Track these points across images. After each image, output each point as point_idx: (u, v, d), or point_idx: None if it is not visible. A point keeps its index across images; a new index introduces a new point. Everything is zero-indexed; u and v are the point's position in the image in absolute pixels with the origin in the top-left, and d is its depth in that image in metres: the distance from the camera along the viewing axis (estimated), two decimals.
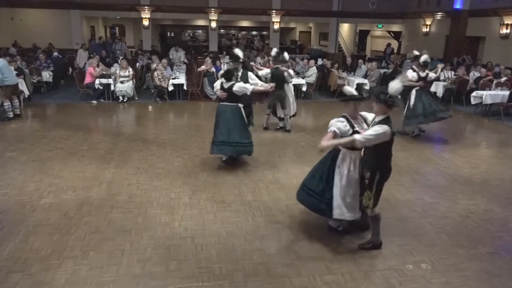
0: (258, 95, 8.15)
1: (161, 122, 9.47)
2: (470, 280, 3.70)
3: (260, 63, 12.48)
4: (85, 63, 13.53)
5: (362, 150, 4.06)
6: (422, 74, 8.16)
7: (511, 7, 13.98)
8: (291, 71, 8.48)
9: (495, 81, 11.27)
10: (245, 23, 25.09)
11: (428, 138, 8.50)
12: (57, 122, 9.05)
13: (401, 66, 14.74)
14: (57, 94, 12.43)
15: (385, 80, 12.29)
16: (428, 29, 18.71)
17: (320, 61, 15.02)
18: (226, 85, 6.04)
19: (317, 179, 4.28)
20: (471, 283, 3.66)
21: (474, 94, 10.80)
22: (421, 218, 4.87)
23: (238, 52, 6.68)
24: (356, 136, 3.74)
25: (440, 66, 8.62)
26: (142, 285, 3.50)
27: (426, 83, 8.24)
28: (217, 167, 6.37)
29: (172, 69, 12.97)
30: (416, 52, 8.66)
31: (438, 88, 12.05)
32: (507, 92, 10.48)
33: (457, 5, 16.25)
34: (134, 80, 11.73)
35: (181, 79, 11.88)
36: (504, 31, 14.48)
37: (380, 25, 22.31)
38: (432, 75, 8.20)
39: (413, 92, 8.19)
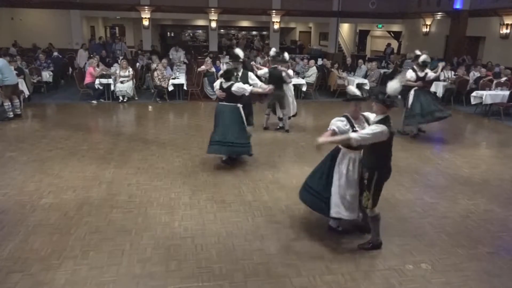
0: (257, 95, 8.11)
1: (161, 122, 9.47)
2: (470, 280, 3.70)
3: (260, 63, 12.47)
4: (86, 63, 13.53)
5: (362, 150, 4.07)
6: (421, 74, 8.17)
7: (511, 7, 13.98)
8: (290, 72, 8.45)
9: (495, 81, 11.28)
10: (245, 23, 25.08)
11: (428, 138, 8.50)
12: (57, 122, 9.05)
13: (401, 66, 14.74)
14: (57, 94, 12.43)
15: (385, 80, 12.29)
16: (428, 29, 18.71)
17: (320, 61, 15.02)
18: (225, 85, 6.04)
19: (318, 178, 4.33)
20: (471, 283, 3.66)
21: (474, 94, 10.80)
22: (421, 218, 4.87)
23: (239, 51, 6.65)
24: (352, 135, 3.76)
25: (441, 64, 8.61)
26: (142, 285, 3.50)
27: (425, 83, 8.24)
28: (217, 167, 6.37)
29: (172, 69, 12.97)
30: (418, 52, 8.66)
31: (438, 88, 12.05)
32: (507, 92, 10.48)
33: (457, 5, 16.25)
34: (134, 80, 11.73)
35: (181, 79, 11.88)
36: (504, 31, 14.48)
37: (380, 25, 22.31)
38: (430, 75, 8.19)
39: (412, 92, 8.23)
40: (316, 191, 4.29)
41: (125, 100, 11.36)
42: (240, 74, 6.46)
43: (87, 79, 11.37)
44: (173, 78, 11.72)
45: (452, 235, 4.48)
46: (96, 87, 11.20)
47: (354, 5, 19.51)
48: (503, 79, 11.40)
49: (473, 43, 16.66)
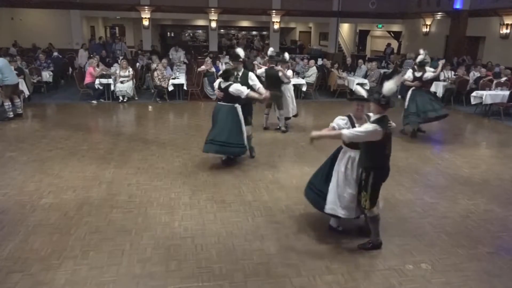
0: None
1: (161, 122, 9.47)
2: (470, 280, 3.70)
3: (260, 63, 12.47)
4: (86, 63, 13.54)
5: None
6: (418, 74, 8.20)
7: (511, 7, 13.98)
8: (289, 72, 8.35)
9: (495, 81, 11.28)
10: (245, 23, 25.09)
11: (428, 138, 8.50)
12: (57, 122, 9.05)
13: (401, 66, 14.73)
14: (57, 94, 12.43)
15: (385, 80, 12.29)
16: (428, 29, 18.71)
17: (320, 61, 15.03)
18: (223, 85, 6.04)
19: (320, 175, 4.41)
20: (471, 283, 3.66)
21: (474, 94, 10.80)
22: (421, 218, 4.87)
23: (239, 51, 6.57)
24: (343, 131, 3.80)
25: (441, 62, 8.61)
26: (142, 285, 3.50)
27: (423, 83, 8.25)
28: (217, 167, 6.37)
29: (172, 69, 12.97)
30: (422, 51, 8.69)
31: (438, 88, 12.05)
32: (507, 92, 10.48)
33: (457, 5, 16.25)
34: (134, 80, 11.73)
35: (181, 79, 11.88)
36: (504, 31, 14.48)
37: (380, 25, 22.31)
38: (427, 75, 8.19)
39: (409, 92, 8.33)
40: (318, 189, 4.34)
41: (125, 100, 11.36)
42: (240, 74, 6.43)
43: (87, 79, 11.37)
44: (173, 78, 11.72)
45: (452, 235, 4.48)
46: (96, 87, 11.20)
47: (354, 5, 19.51)
48: (503, 79, 11.40)
49: (473, 43, 16.66)
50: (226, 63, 12.19)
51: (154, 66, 12.21)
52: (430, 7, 18.12)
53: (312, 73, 12.75)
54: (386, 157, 3.92)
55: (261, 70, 8.45)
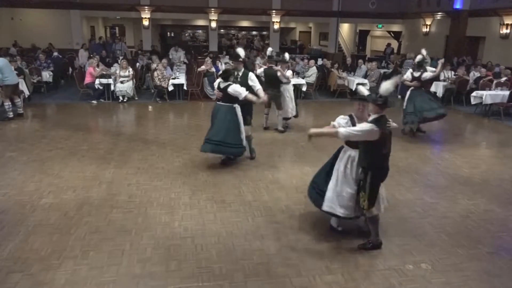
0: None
1: (161, 122, 9.47)
2: (470, 280, 3.70)
3: (260, 63, 12.47)
4: (86, 63, 13.54)
5: None
6: (416, 74, 8.22)
7: (511, 7, 13.98)
8: (288, 73, 8.28)
9: (495, 81, 11.27)
10: (245, 23, 25.09)
11: (428, 138, 8.50)
12: (57, 122, 9.05)
13: (401, 66, 14.74)
14: (57, 94, 12.43)
15: (385, 80, 12.30)
16: (428, 29, 18.71)
17: (320, 61, 15.03)
18: (222, 85, 6.04)
19: (322, 175, 4.44)
20: (471, 283, 3.66)
21: (474, 94, 10.80)
22: (421, 218, 4.87)
23: (240, 51, 6.54)
24: (340, 129, 3.82)
25: (440, 62, 8.63)
26: (142, 285, 3.50)
27: (421, 83, 8.26)
28: (217, 167, 6.37)
29: (172, 69, 12.97)
30: (424, 51, 8.71)
31: (438, 88, 12.05)
32: (507, 92, 10.48)
33: (457, 5, 16.26)
34: (134, 80, 11.73)
35: (181, 79, 11.88)
36: (504, 31, 14.48)
37: (380, 25, 22.31)
38: (426, 75, 8.20)
39: (408, 91, 8.37)
40: (319, 188, 4.36)
41: (125, 100, 11.36)
42: (240, 74, 6.42)
43: (87, 79, 11.37)
44: (173, 78, 11.72)
45: (452, 235, 4.48)
46: (96, 87, 11.20)
47: (354, 5, 19.51)
48: (503, 79, 11.40)
49: (473, 43, 16.66)
50: (226, 63, 12.18)
51: (154, 66, 12.20)
52: (430, 7, 18.12)
53: (312, 73, 12.74)
54: (385, 157, 3.91)
55: (260, 70, 8.45)
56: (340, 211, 4.14)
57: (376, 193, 3.95)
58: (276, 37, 20.20)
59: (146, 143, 7.55)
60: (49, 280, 3.52)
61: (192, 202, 5.11)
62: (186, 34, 26.99)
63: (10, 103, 8.95)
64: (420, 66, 8.26)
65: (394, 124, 4.04)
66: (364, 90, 4.06)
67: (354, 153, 4.09)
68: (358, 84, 12.16)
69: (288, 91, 8.45)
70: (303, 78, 12.51)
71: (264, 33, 26.09)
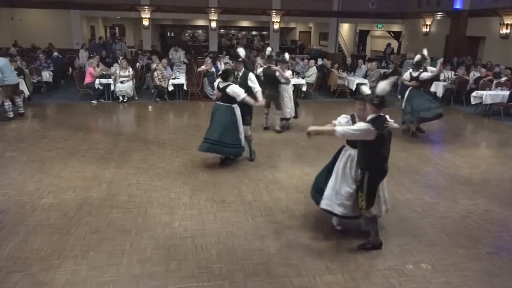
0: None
1: (161, 122, 9.47)
2: (470, 280, 3.70)
3: (260, 63, 12.48)
4: (86, 63, 13.54)
5: None
6: (414, 74, 8.24)
7: (511, 7, 13.98)
8: (287, 73, 8.23)
9: (495, 81, 11.28)
10: (245, 23, 25.09)
11: (428, 138, 8.50)
12: (57, 122, 9.05)
13: (401, 66, 14.74)
14: (57, 94, 12.43)
15: (385, 80, 12.30)
16: (428, 29, 18.71)
17: (320, 61, 15.03)
18: (221, 85, 6.05)
19: (323, 175, 4.46)
20: (471, 283, 3.66)
21: (474, 94, 10.81)
22: (421, 218, 4.87)
23: (240, 51, 6.52)
24: (337, 128, 3.85)
25: (439, 62, 8.65)
26: (142, 285, 3.50)
27: (420, 82, 8.27)
28: (217, 167, 6.37)
29: (172, 69, 12.97)
30: (425, 51, 8.71)
31: (438, 88, 12.05)
32: (507, 92, 10.48)
33: (457, 5, 16.25)
34: (134, 80, 11.73)
35: (181, 79, 11.88)
36: (504, 31, 14.48)
37: (380, 25, 22.31)
38: (423, 75, 8.19)
39: (407, 91, 8.42)
40: (319, 187, 4.38)
41: (125, 100, 11.36)
42: (240, 74, 6.42)
43: (87, 79, 11.37)
44: (173, 78, 11.72)
45: (452, 235, 4.48)
46: (96, 87, 11.20)
47: (354, 5, 19.51)
48: (503, 79, 11.41)
49: (473, 43, 16.66)
50: (226, 63, 12.18)
51: (154, 66, 12.20)
52: (430, 7, 18.12)
53: (312, 73, 12.75)
54: (383, 157, 3.89)
55: (260, 70, 8.46)
56: (338, 210, 4.16)
57: (374, 193, 3.94)
58: (276, 37, 20.21)
59: (146, 143, 7.55)
60: (49, 280, 3.52)
61: (192, 202, 5.11)
62: (186, 34, 26.99)
63: (10, 103, 8.96)
64: (419, 66, 8.28)
65: (395, 125, 4.02)
66: (367, 90, 4.06)
67: (354, 152, 4.10)
68: (358, 84, 12.26)
69: (287, 92, 8.39)
70: (303, 78, 12.51)
71: (264, 33, 26.09)
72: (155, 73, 11.60)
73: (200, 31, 26.53)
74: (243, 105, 6.21)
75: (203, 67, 12.10)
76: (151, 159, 6.66)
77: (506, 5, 14.12)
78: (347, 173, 4.13)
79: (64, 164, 6.34)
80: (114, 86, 11.27)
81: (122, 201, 5.06)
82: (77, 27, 18.12)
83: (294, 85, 10.44)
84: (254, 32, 27.83)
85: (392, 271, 3.78)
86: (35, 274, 3.59)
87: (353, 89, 12.61)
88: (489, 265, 3.92)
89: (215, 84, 6.34)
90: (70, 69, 14.70)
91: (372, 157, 3.85)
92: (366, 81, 12.75)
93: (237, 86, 6.03)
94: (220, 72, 6.40)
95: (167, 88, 11.49)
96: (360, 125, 3.76)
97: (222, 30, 25.47)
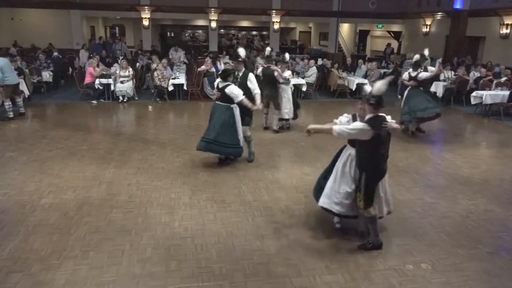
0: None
1: (161, 122, 9.47)
2: (470, 280, 3.70)
3: (260, 63, 12.47)
4: (86, 63, 13.54)
5: None
6: (413, 74, 8.25)
7: (511, 7, 13.98)
8: (286, 73, 8.21)
9: (495, 81, 11.28)
10: (245, 23, 25.09)
11: (428, 138, 8.50)
12: (57, 122, 9.05)
13: (401, 66, 14.75)
14: (57, 94, 12.43)
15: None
16: (428, 29, 18.71)
17: (320, 61, 15.03)
18: (221, 85, 6.05)
19: (324, 173, 4.49)
20: (471, 283, 3.66)
21: (474, 94, 10.81)
22: (421, 218, 4.87)
23: (240, 51, 6.51)
24: (334, 126, 3.87)
25: (438, 62, 8.66)
26: (142, 285, 3.50)
27: (418, 82, 8.27)
28: (217, 167, 6.37)
29: (172, 69, 12.97)
30: (427, 52, 8.72)
31: (438, 88, 12.06)
32: (507, 92, 10.48)
33: (457, 5, 16.25)
34: (134, 80, 11.73)
35: (181, 79, 11.88)
36: (504, 31, 14.48)
37: (380, 25, 22.31)
38: (421, 74, 8.20)
39: (406, 91, 8.45)
40: (320, 185, 4.39)
41: (125, 100, 11.36)
42: (241, 74, 6.41)
43: (87, 79, 11.37)
44: (173, 78, 11.73)
45: (452, 235, 4.48)
46: (96, 87, 11.20)
47: (354, 5, 19.51)
48: (503, 79, 11.41)
49: (473, 43, 16.65)
50: (226, 63, 12.18)
51: (154, 66, 12.20)
52: (430, 7, 18.12)
53: (312, 73, 12.75)
54: (380, 158, 3.88)
55: (260, 69, 8.46)
56: (336, 208, 4.17)
57: (372, 193, 3.94)
58: (276, 37, 20.20)
59: (146, 143, 7.55)
60: (49, 280, 3.52)
61: (192, 202, 5.11)
62: (186, 34, 26.98)
63: (10, 103, 8.96)
64: (418, 65, 8.29)
65: (394, 125, 4.02)
66: (369, 89, 4.07)
67: (354, 151, 4.10)
68: (358, 84, 12.27)
69: (286, 92, 8.34)
70: (303, 78, 12.51)
71: (264, 33, 26.09)
72: (155, 73, 11.60)
73: (200, 31, 26.53)
74: (243, 105, 6.21)
75: (203, 67, 12.10)
76: (151, 159, 6.66)
77: (506, 5, 14.12)
78: (346, 172, 4.14)
79: (64, 164, 6.34)
80: (114, 86, 11.27)
81: (122, 201, 5.06)
82: (77, 27, 18.11)
83: (294, 85, 10.44)
84: (254, 32, 27.83)
85: (392, 271, 3.78)
86: (35, 274, 3.59)
87: (353, 89, 12.62)
88: (489, 265, 3.92)
89: (215, 84, 6.34)
90: (70, 69, 14.70)
91: (369, 157, 3.85)
92: (366, 81, 12.76)
93: (236, 87, 6.02)
94: (220, 72, 6.39)
95: (167, 88, 11.49)
96: (356, 124, 3.79)
97: (222, 30, 25.47)
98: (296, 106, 8.66)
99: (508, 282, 3.69)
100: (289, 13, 19.53)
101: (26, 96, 10.41)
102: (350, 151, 4.16)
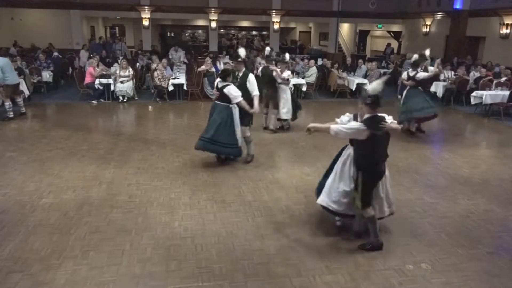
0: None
1: (161, 122, 9.47)
2: (470, 280, 3.70)
3: (260, 63, 12.47)
4: (86, 63, 13.54)
5: None
6: (411, 74, 8.26)
7: (511, 7, 13.98)
8: (285, 74, 8.19)
9: (495, 81, 11.28)
10: (245, 23, 25.09)
11: (428, 138, 8.50)
12: (57, 122, 9.05)
13: (401, 66, 14.75)
14: (57, 94, 12.43)
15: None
16: (428, 29, 18.71)
17: (320, 61, 15.03)
18: (220, 85, 6.05)
19: (325, 173, 4.49)
20: (471, 283, 3.66)
21: (474, 94, 10.81)
22: (421, 218, 4.87)
23: (241, 51, 6.49)
24: (332, 125, 3.89)
25: (437, 61, 8.65)
26: (142, 285, 3.50)
27: (417, 82, 8.27)
28: (217, 167, 6.37)
29: (172, 69, 12.97)
30: (428, 52, 8.73)
31: (438, 88, 12.05)
32: (507, 92, 10.48)
33: (457, 5, 16.25)
34: (134, 80, 11.73)
35: (181, 79, 11.88)
36: (504, 31, 14.48)
37: (380, 25, 22.31)
38: (420, 74, 8.19)
39: (405, 91, 8.48)
40: (321, 184, 4.40)
41: (125, 100, 11.36)
42: (241, 74, 6.40)
43: (87, 79, 11.37)
44: (173, 78, 11.73)
45: (452, 235, 4.48)
46: (96, 87, 11.20)
47: (354, 5, 19.51)
48: (503, 79, 11.41)
49: (473, 43, 16.66)
50: (226, 63, 12.18)
51: (154, 66, 12.21)
52: (430, 7, 18.12)
53: (312, 73, 12.75)
54: (377, 158, 3.87)
55: (259, 70, 8.47)
56: (333, 206, 4.18)
57: (370, 193, 3.94)
58: (276, 37, 20.21)
59: (146, 143, 7.55)
60: (49, 280, 3.52)
61: (192, 202, 5.11)
62: (186, 34, 26.97)
63: (10, 103, 8.96)
64: (416, 65, 8.30)
65: (394, 125, 4.00)
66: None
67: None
68: (358, 84, 12.27)
69: (285, 92, 8.32)
70: (303, 78, 12.51)
71: (264, 33, 26.08)
72: (155, 73, 11.61)
73: (200, 31, 26.52)
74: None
75: (203, 67, 12.10)
76: (151, 159, 6.66)
77: (506, 5, 14.12)
78: (345, 171, 4.14)
79: (64, 164, 6.34)
80: (114, 86, 11.27)
81: (122, 201, 5.06)
82: (77, 27, 18.11)
83: (294, 85, 10.43)
84: (254, 32, 27.82)
85: (392, 271, 3.78)
86: (35, 274, 3.59)
87: (353, 89, 12.62)
88: (489, 265, 3.92)
89: (215, 84, 6.34)
90: (70, 69, 14.71)
91: (366, 157, 3.85)
92: (366, 81, 12.77)
93: (235, 88, 6.01)
94: (220, 71, 6.39)
95: (167, 88, 11.49)
96: (353, 124, 3.79)
97: (222, 30, 25.47)
98: (296, 107, 8.65)
99: (508, 282, 3.69)
100: (289, 13, 19.53)
101: (26, 96, 10.41)
102: (350, 151, 4.16)
